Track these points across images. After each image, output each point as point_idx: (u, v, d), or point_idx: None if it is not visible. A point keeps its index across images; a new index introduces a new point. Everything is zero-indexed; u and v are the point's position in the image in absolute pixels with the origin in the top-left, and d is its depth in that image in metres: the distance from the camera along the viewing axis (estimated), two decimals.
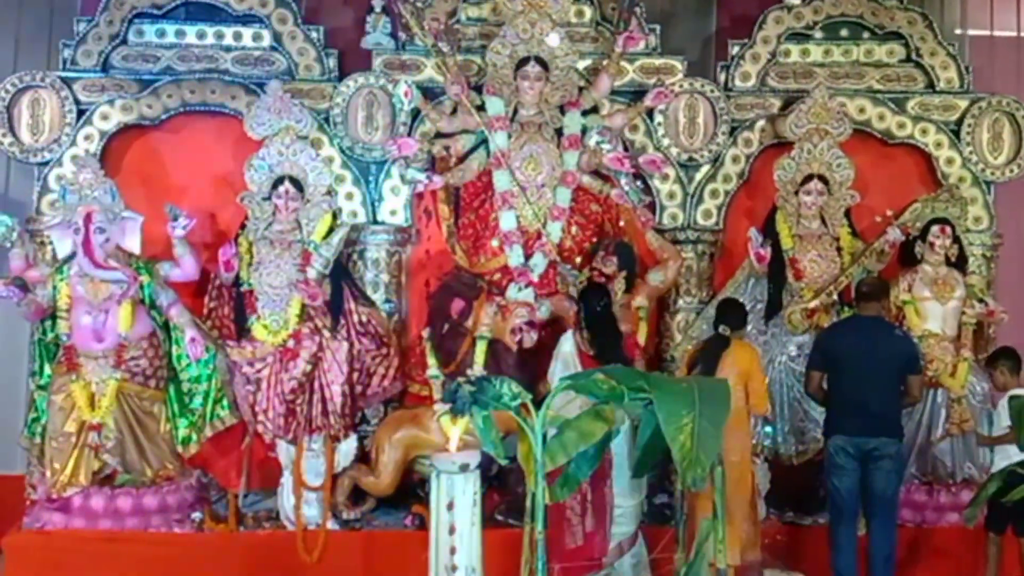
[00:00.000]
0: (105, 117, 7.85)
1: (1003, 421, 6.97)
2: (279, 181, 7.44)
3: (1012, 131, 8.24)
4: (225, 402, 7.47)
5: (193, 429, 7.44)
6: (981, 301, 7.78)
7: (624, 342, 7.22)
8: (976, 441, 7.37)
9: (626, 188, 7.88)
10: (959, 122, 8.24)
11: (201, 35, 8.05)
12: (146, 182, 7.87)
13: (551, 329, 7.51)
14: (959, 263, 7.84)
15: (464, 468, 5.63)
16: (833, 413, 6.94)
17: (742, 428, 6.67)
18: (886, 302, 7.32)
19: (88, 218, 7.20)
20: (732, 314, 6.93)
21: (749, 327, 7.77)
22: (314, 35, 8.05)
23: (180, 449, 7.43)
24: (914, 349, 7.12)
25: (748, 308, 7.85)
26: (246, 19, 8.06)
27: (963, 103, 8.26)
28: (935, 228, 7.77)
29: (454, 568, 5.50)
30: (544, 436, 5.68)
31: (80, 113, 7.84)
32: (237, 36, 8.07)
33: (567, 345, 6.86)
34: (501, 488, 7.40)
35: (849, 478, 6.80)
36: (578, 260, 7.85)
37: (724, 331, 6.81)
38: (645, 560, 6.78)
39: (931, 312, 7.72)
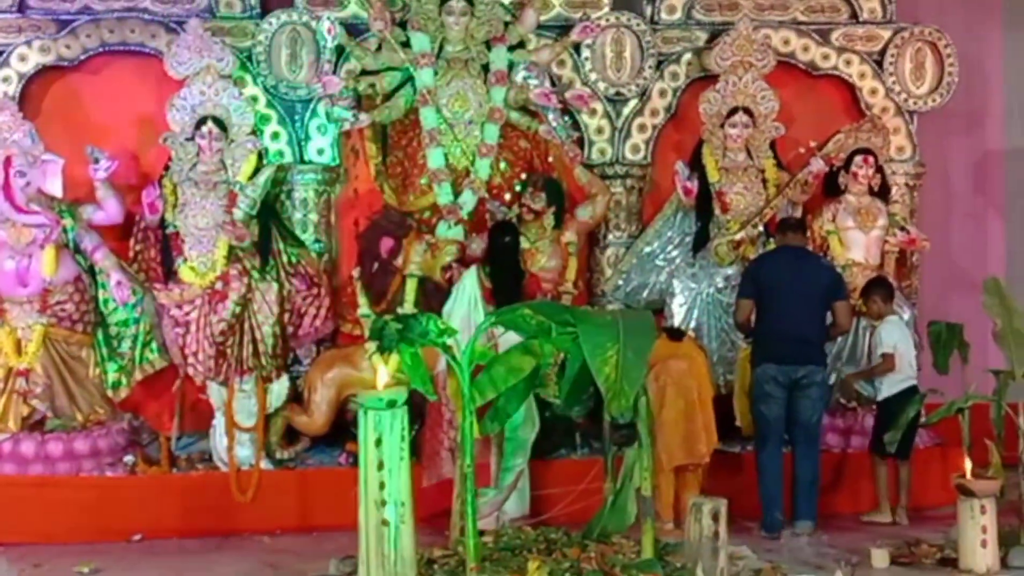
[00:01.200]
0: (23, 58, 7.67)
1: (881, 349, 7.17)
2: (202, 121, 7.37)
3: (934, 61, 8.31)
4: (154, 345, 7.42)
5: (123, 373, 7.39)
6: (903, 229, 7.92)
7: (525, 280, 7.34)
8: (849, 381, 7.54)
9: (554, 124, 7.86)
10: (882, 52, 8.30)
11: None
12: (66, 124, 7.73)
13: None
14: (882, 192, 7.97)
15: (391, 404, 5.65)
16: (762, 342, 7.07)
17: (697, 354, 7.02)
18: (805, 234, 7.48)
19: (7, 162, 7.16)
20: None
21: (678, 260, 7.91)
22: None
23: (110, 393, 7.39)
24: (839, 277, 7.28)
25: (676, 241, 8.00)
26: None
27: (886, 33, 8.32)
28: (858, 158, 7.87)
29: (383, 502, 5.53)
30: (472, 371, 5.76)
31: None
32: None
33: (469, 280, 6.93)
34: None
35: (777, 405, 6.94)
36: (507, 197, 7.87)
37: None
38: (527, 494, 6.92)
39: (854, 241, 7.85)
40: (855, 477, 7.43)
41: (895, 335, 7.21)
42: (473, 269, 7.06)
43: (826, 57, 8.28)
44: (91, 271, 7.39)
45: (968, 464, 6.09)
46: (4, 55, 7.66)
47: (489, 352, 6.11)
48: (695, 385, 6.91)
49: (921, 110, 8.36)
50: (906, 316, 7.76)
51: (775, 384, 6.92)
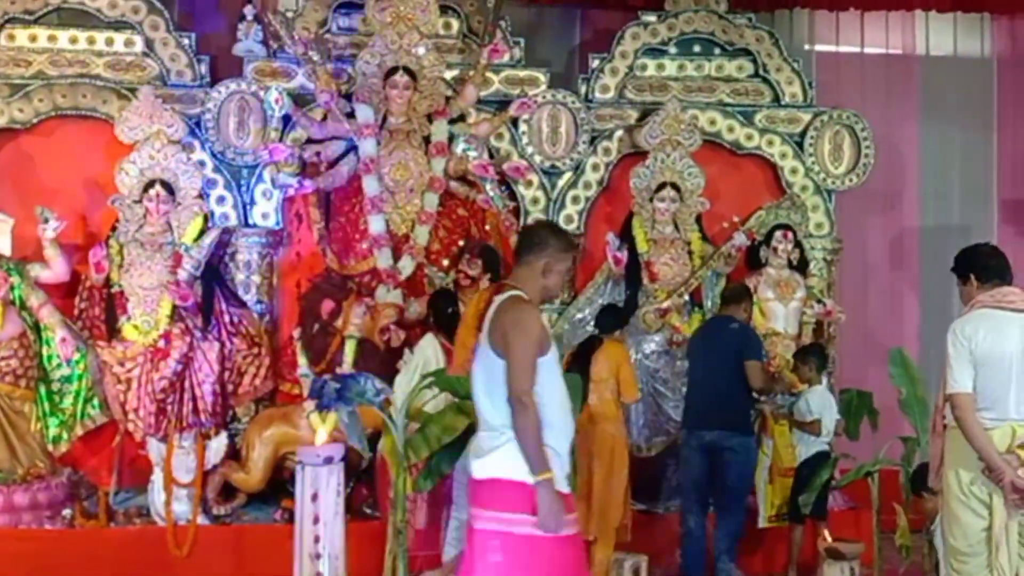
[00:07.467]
0: None
1: (809, 417, 7.39)
2: (150, 184, 7.62)
3: (852, 143, 8.76)
4: (96, 401, 7.57)
5: (64, 428, 7.53)
6: (820, 302, 8.32)
7: None
8: (789, 426, 7.78)
9: (491, 193, 8.21)
10: (803, 134, 8.75)
11: (73, 40, 8.11)
12: (17, 185, 7.95)
13: (420, 329, 7.75)
14: (801, 266, 8.37)
15: (328, 460, 5.89)
16: (684, 407, 7.36)
17: (614, 419, 7.11)
18: (747, 304, 7.47)
19: None
20: (605, 317, 7.40)
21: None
22: (186, 41, 8.19)
23: (51, 448, 7.52)
24: (748, 337, 7.19)
25: None
26: (118, 25, 8.16)
27: (807, 116, 8.77)
28: (778, 233, 8.28)
29: (318, 556, 5.75)
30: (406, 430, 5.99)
31: None
32: (109, 41, 8.15)
33: (430, 347, 6.93)
34: (369, 483, 7.63)
35: (694, 469, 7.09)
36: (445, 263, 8.13)
37: (595, 332, 7.25)
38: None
39: (775, 312, 8.22)
40: (776, 539, 7.68)
41: (820, 404, 7.45)
42: (431, 336, 6.99)
43: (750, 137, 8.73)
44: (36, 327, 7.55)
45: (827, 533, 6.32)
46: None
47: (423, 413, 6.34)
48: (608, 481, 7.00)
49: (839, 189, 8.79)
50: (823, 384, 8.12)
51: (690, 448, 7.11)
